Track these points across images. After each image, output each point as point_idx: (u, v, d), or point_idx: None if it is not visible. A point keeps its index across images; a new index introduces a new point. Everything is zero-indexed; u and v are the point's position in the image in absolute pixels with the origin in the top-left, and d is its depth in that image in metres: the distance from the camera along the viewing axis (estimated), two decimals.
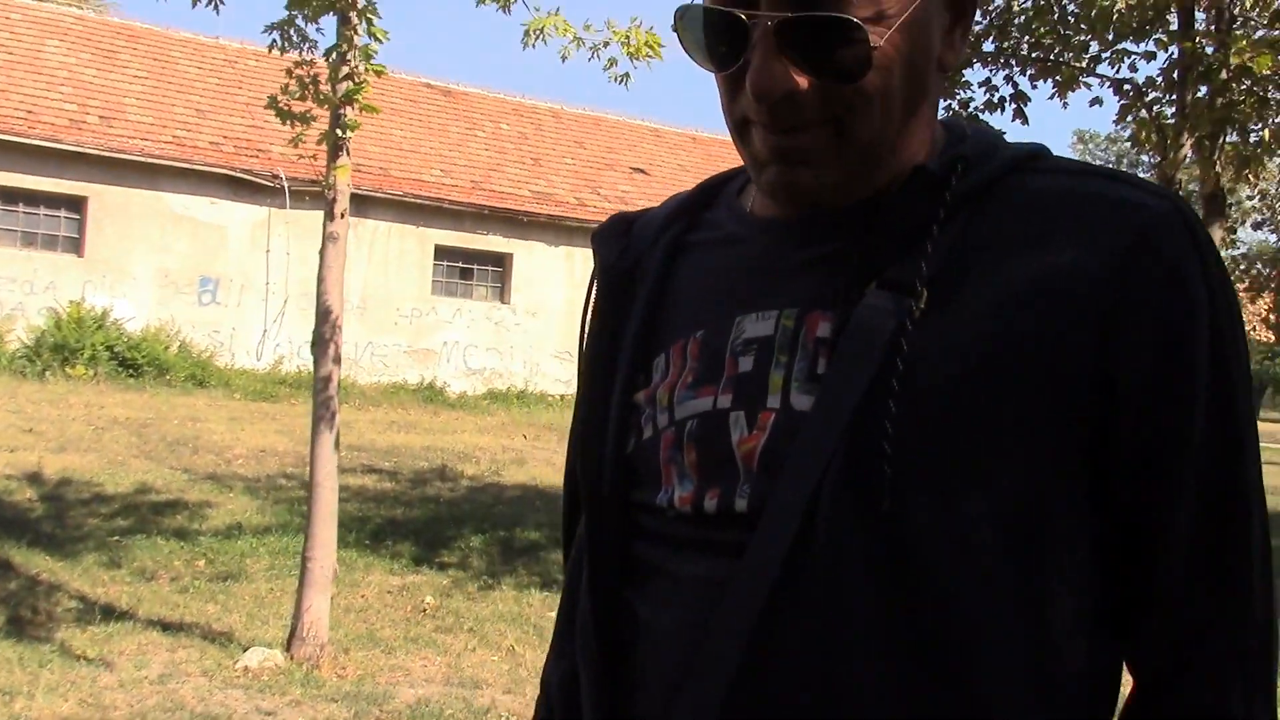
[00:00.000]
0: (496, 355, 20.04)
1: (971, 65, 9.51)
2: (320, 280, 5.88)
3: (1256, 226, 20.79)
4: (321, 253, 5.86)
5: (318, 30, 6.44)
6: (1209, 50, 8.51)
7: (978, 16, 0.97)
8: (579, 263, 20.59)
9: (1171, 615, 0.98)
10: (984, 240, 0.97)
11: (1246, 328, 1.03)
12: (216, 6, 6.41)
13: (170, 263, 17.37)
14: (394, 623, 6.66)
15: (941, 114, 1.09)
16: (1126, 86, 9.67)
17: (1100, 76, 9.83)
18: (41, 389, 14.22)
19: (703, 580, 0.98)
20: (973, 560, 0.92)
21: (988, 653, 0.92)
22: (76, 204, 16.85)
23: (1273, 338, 27.66)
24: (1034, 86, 10.01)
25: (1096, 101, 10.38)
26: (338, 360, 5.93)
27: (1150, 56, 9.68)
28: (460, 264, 19.94)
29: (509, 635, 6.53)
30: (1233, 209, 15.32)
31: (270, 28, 6.33)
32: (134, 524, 8.43)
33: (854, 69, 0.93)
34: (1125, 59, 9.63)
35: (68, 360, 15.56)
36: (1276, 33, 8.14)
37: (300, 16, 6.37)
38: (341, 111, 5.69)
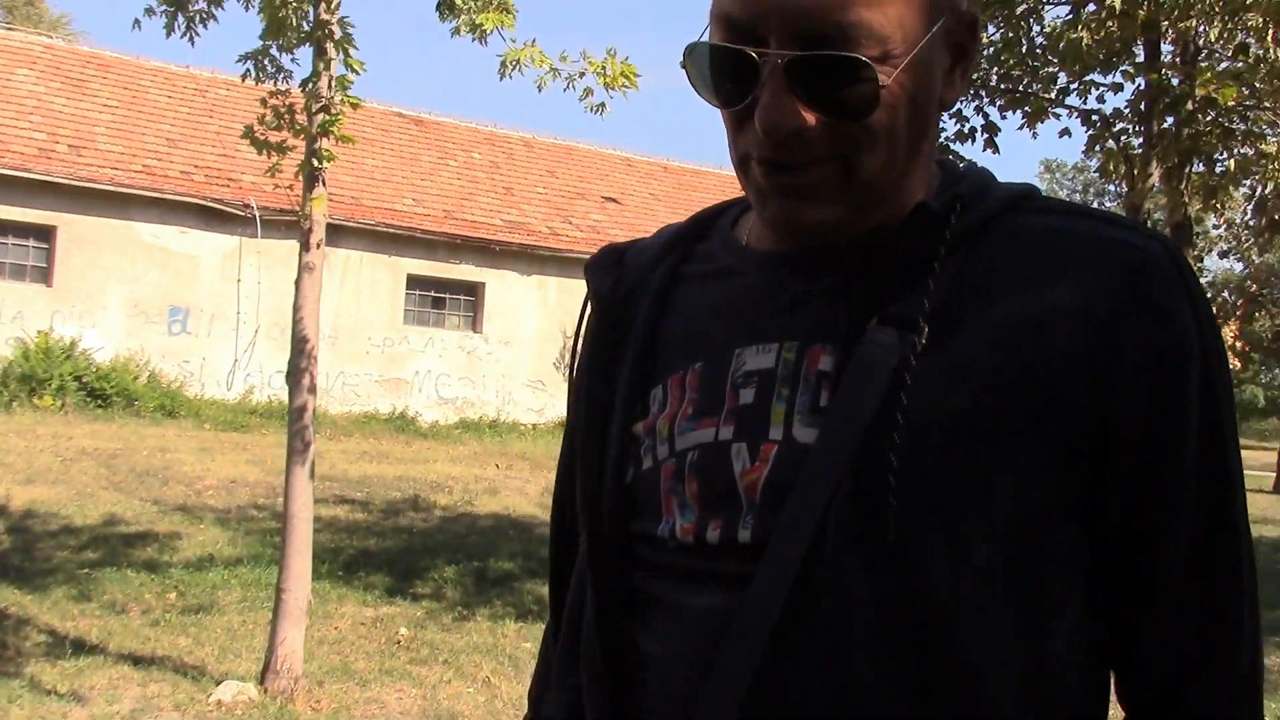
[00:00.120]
0: (469, 384, 19.99)
1: None
2: (296, 310, 5.86)
3: (1223, 255, 21.06)
4: (297, 283, 5.85)
5: (292, 60, 6.45)
6: (1175, 82, 8.63)
7: None
8: (551, 292, 20.60)
9: (1165, 645, 1.00)
10: (982, 277, 0.99)
11: None
12: (191, 38, 6.39)
13: (140, 292, 17.27)
14: (368, 655, 6.60)
15: None
16: (1095, 117, 9.78)
17: (1069, 108, 9.95)
18: (8, 420, 14.06)
19: (707, 611, 0.98)
20: (976, 590, 0.93)
21: (991, 681, 0.94)
22: (45, 233, 16.73)
23: (1239, 365, 27.95)
24: (1004, 117, 10.12)
25: (1065, 133, 10.54)
26: (313, 390, 5.90)
27: (1117, 88, 9.80)
28: (432, 293, 19.91)
29: (484, 667, 6.49)
30: (1199, 238, 15.51)
31: (244, 57, 6.33)
32: (104, 556, 8.34)
33: (861, 107, 0.94)
34: (1093, 90, 9.76)
35: (35, 391, 15.41)
36: (1240, 65, 8.26)
37: (275, 47, 6.39)
38: (317, 143, 5.69)
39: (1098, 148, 9.86)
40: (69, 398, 15.53)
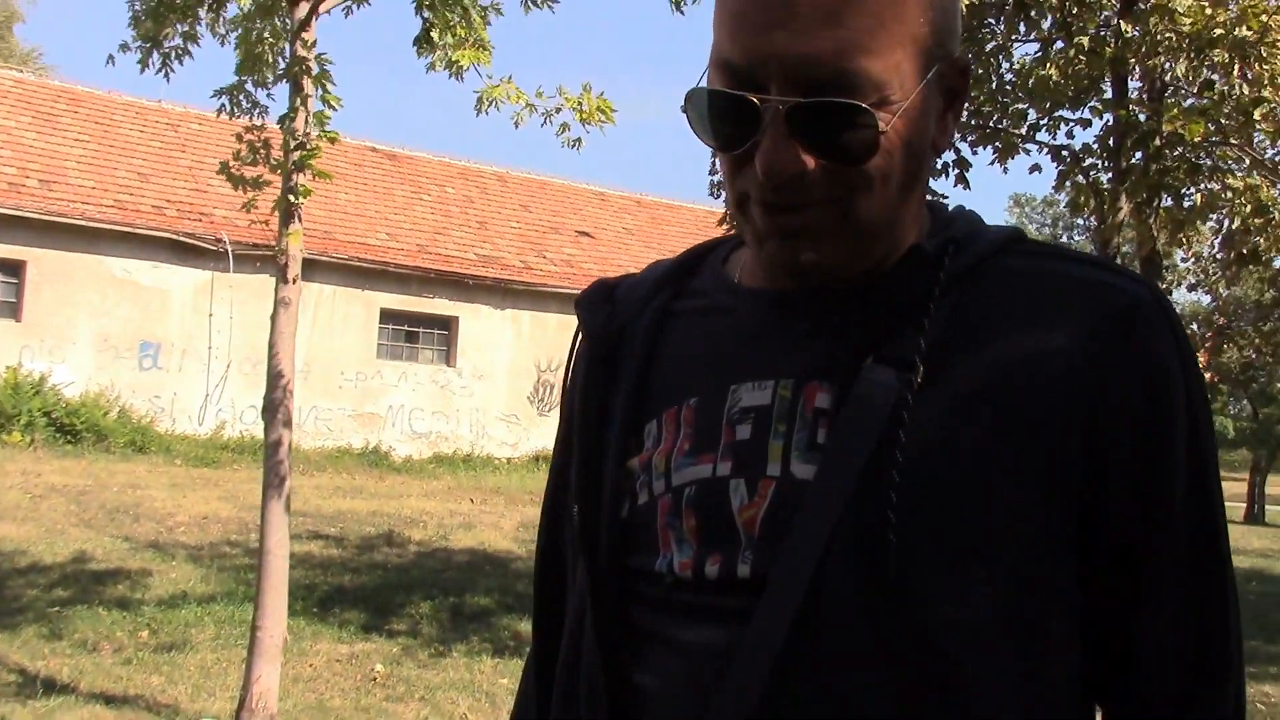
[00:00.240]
0: (442, 419, 19.93)
1: None
2: (271, 345, 5.84)
3: (1191, 288, 21.28)
4: (273, 318, 5.83)
5: (268, 95, 6.47)
6: (1142, 118, 8.74)
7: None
8: (525, 326, 20.60)
9: (1156, 682, 1.02)
10: (975, 319, 1.01)
11: None
12: (167, 74, 6.40)
13: (111, 327, 17.16)
14: (344, 692, 6.55)
15: None
16: (1064, 153, 9.89)
17: (1039, 143, 10.06)
18: None
19: (706, 646, 0.99)
20: (975, 625, 0.95)
21: (990, 716, 0.95)
22: (14, 268, 16.62)
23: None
24: (975, 153, 10.22)
25: (1036, 168, 10.54)
26: (289, 425, 5.88)
27: (1086, 124, 9.91)
28: (406, 327, 19.88)
29: (461, 703, 6.44)
30: (1168, 271, 15.67)
31: (219, 92, 6.34)
32: (74, 594, 8.25)
33: (861, 153, 0.96)
34: (1062, 126, 9.87)
35: (3, 427, 15.26)
36: (1206, 101, 8.37)
37: (250, 82, 6.39)
38: (294, 179, 5.69)
39: (1068, 183, 9.97)
40: (38, 434, 15.39)
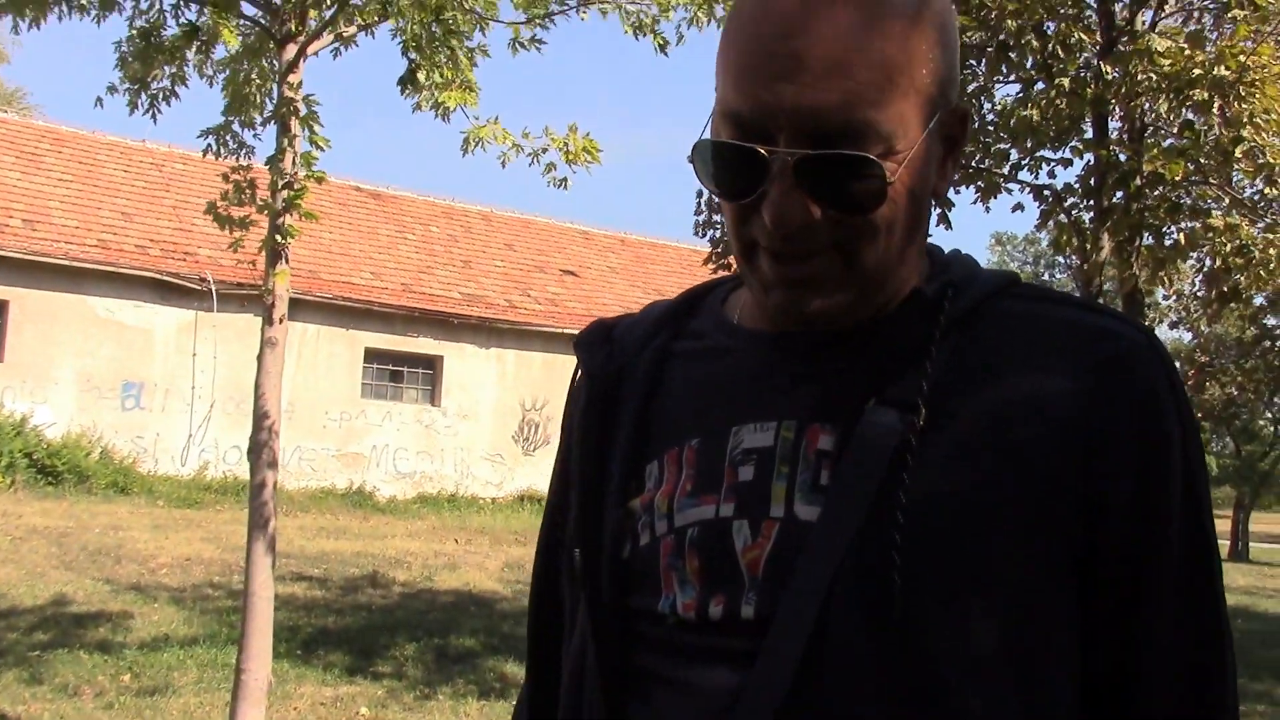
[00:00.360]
0: (427, 459, 19.86)
1: None
2: (258, 385, 5.82)
3: (1173, 326, 21.38)
4: (259, 358, 5.81)
5: (254, 136, 6.48)
6: (1123, 158, 8.82)
7: None
8: (510, 365, 20.59)
9: (1155, 717, 1.03)
10: (974, 361, 1.02)
11: None
12: (154, 115, 6.41)
13: (93, 367, 17.09)
14: None
15: None
16: (1046, 192, 9.96)
17: (1021, 183, 10.12)
18: None
19: (710, 688, 0.99)
20: (979, 666, 0.96)
21: None
22: None
23: None
24: (957, 192, 10.27)
25: (1019, 207, 10.61)
26: (274, 465, 5.85)
27: (1067, 163, 9.99)
28: (390, 366, 19.85)
29: None
30: (1150, 309, 15.77)
31: (206, 133, 6.35)
32: (55, 637, 8.16)
33: (868, 202, 0.98)
34: (1044, 166, 9.94)
35: None
36: (1186, 141, 8.45)
37: (237, 122, 6.41)
38: (281, 219, 5.69)
39: (1050, 222, 10.03)
40: (19, 475, 15.28)
